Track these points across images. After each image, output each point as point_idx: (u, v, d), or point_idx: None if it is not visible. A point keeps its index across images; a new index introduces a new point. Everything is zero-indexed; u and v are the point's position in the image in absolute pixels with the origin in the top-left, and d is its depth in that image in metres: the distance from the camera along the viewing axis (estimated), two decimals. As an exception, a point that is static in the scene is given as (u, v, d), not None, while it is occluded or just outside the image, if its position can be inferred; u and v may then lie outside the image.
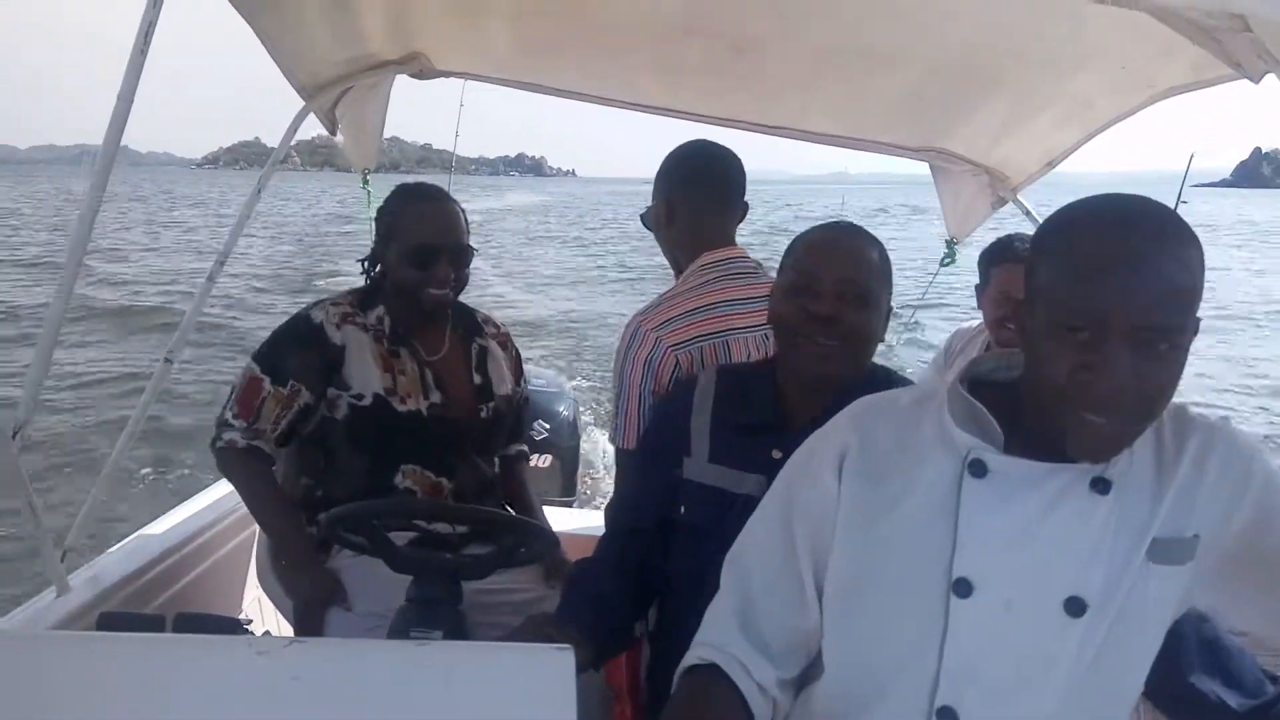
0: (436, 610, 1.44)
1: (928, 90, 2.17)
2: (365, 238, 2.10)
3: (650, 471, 1.53)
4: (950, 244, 2.76)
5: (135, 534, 2.05)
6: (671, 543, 1.49)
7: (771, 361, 1.52)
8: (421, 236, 1.82)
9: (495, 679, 0.93)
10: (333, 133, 2.60)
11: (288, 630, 2.24)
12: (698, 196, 1.83)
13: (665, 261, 1.96)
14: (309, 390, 1.81)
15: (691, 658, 1.12)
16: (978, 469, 0.99)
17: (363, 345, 1.87)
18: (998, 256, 2.36)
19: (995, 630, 0.99)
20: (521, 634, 1.32)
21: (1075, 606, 0.97)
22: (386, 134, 2.97)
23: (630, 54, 2.18)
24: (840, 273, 1.39)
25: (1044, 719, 1.00)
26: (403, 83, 2.57)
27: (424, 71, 2.55)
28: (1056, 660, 0.98)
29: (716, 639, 1.11)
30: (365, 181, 2.97)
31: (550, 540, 1.56)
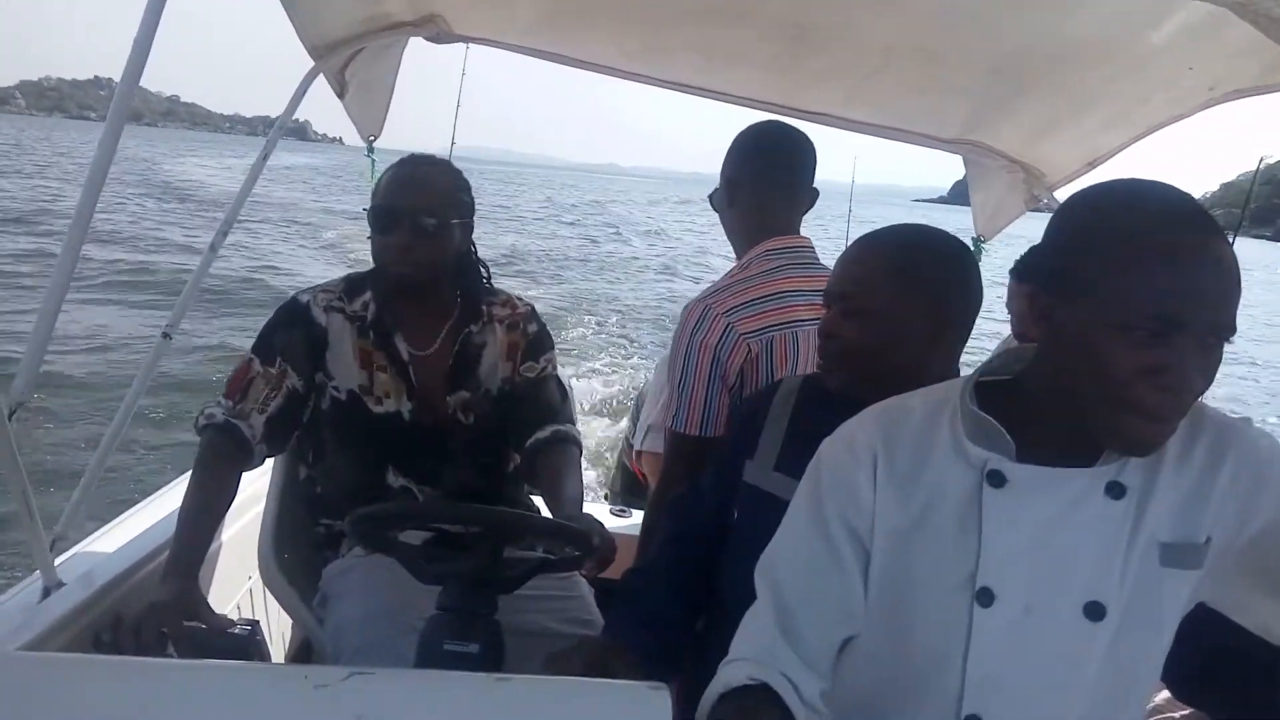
0: (472, 621, 1.34)
1: (975, 85, 2.09)
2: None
3: (724, 472, 1.44)
4: (977, 242, 2.69)
5: (120, 519, 1.93)
6: (721, 550, 1.41)
7: None
8: (382, 198, 1.69)
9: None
10: (341, 96, 2.46)
11: (287, 623, 2.13)
12: (761, 181, 1.74)
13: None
14: (295, 372, 1.69)
15: (736, 676, 1.03)
16: (996, 479, 0.98)
17: (344, 336, 1.74)
18: None
19: (1017, 637, 0.98)
20: (574, 659, 1.22)
21: (1095, 611, 0.96)
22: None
23: (671, 30, 2.06)
24: (836, 286, 1.33)
25: None
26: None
27: (440, 35, 2.42)
28: (1079, 665, 0.97)
29: (759, 653, 1.04)
30: (370, 150, 2.82)
31: (586, 542, 1.45)
